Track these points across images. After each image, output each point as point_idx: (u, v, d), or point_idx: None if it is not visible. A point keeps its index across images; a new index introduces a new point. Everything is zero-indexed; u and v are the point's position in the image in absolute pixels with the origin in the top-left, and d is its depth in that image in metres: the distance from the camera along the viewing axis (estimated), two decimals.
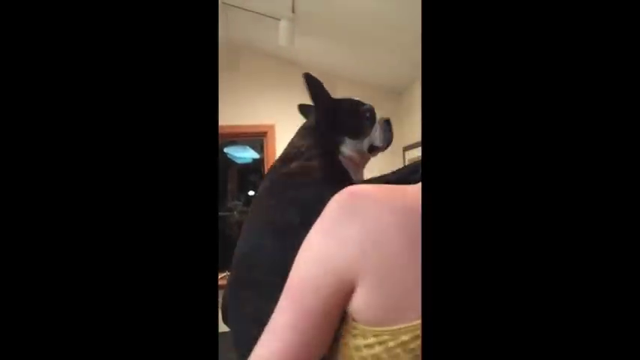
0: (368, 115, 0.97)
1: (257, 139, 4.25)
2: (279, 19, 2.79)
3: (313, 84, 0.95)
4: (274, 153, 4.00)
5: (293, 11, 2.79)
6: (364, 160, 1.00)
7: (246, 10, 2.88)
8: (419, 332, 0.44)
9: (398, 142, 3.82)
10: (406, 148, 3.73)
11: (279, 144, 3.96)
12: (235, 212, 4.47)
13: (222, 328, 0.72)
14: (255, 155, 4.99)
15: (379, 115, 1.02)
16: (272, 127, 3.98)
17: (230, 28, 3.24)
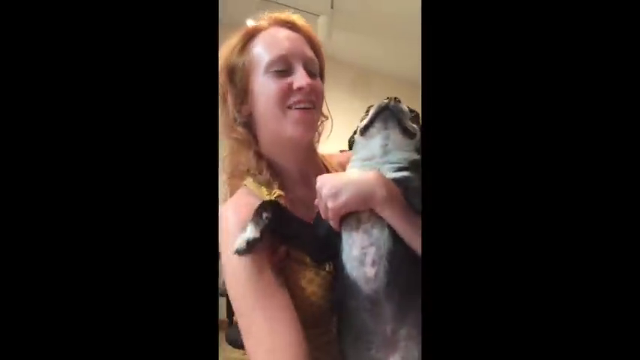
0: None
1: None
2: (317, 15, 2.86)
3: None
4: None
5: (332, 7, 2.91)
6: None
7: (285, 5, 3.01)
8: None
9: None
10: None
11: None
12: None
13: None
14: None
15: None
16: None
17: None
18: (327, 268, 0.70)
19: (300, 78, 0.68)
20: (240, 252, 0.60)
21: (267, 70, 0.68)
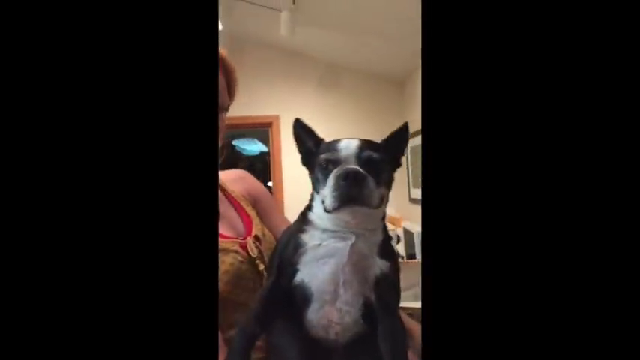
0: (324, 163, 0.61)
1: (263, 129, 4.23)
2: (280, 11, 2.81)
3: (298, 130, 0.67)
4: (279, 143, 3.88)
5: (294, 2, 2.81)
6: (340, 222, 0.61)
7: (247, 2, 2.79)
8: None
9: None
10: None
11: (285, 134, 3.85)
12: None
13: None
14: (264, 148, 5.16)
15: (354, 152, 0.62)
16: (277, 117, 3.96)
17: (231, 20, 3.02)
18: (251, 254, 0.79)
19: None
20: None
21: None
